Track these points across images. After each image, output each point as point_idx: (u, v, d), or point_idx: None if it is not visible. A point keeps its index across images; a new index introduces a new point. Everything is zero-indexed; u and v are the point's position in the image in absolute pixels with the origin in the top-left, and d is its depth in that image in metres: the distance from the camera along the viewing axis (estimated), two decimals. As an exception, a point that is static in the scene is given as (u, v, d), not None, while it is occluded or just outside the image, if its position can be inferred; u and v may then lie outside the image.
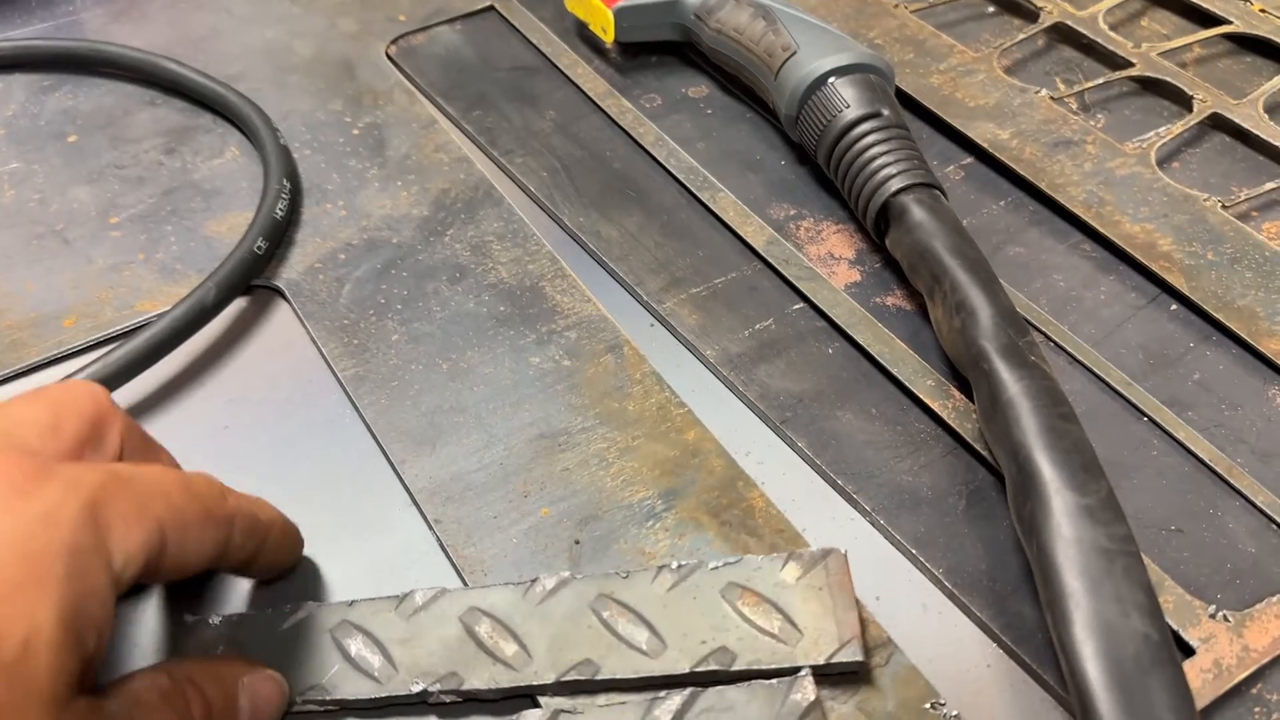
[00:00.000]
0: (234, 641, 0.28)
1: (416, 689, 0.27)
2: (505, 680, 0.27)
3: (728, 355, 0.36)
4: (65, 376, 0.34)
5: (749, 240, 0.40)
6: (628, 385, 0.35)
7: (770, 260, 0.39)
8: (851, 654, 0.27)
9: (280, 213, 0.40)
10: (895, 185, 0.37)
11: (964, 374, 0.33)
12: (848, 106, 0.39)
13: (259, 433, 0.35)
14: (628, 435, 0.33)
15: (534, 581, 0.29)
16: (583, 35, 0.50)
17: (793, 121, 0.42)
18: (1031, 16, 0.50)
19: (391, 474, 0.33)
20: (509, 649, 0.28)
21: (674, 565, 0.29)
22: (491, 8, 0.52)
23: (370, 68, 0.49)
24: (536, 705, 0.27)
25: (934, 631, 0.29)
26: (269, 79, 0.48)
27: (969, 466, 0.32)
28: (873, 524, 0.31)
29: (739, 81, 0.47)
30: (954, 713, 0.27)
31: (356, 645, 0.28)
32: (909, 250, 0.36)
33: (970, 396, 0.33)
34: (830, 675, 0.27)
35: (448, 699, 0.27)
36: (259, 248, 0.38)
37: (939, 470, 0.32)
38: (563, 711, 0.27)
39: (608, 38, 0.47)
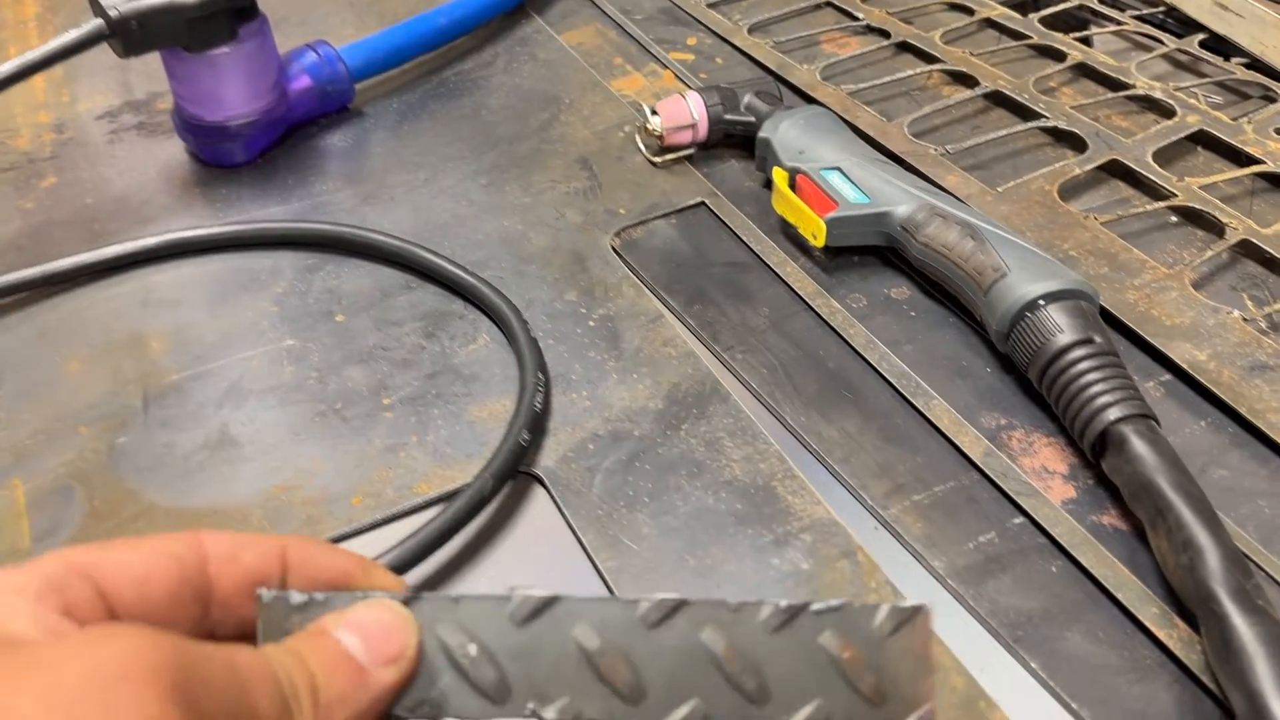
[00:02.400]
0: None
1: (529, 710, 0.27)
2: (621, 716, 0.27)
3: (955, 568, 0.39)
4: (371, 557, 0.38)
5: (965, 450, 0.43)
6: (864, 593, 0.38)
7: (988, 472, 0.42)
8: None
9: (539, 405, 0.44)
10: (1113, 415, 0.40)
11: (1189, 607, 0.35)
12: (1061, 331, 0.43)
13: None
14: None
15: (637, 600, 0.28)
16: (787, 233, 0.55)
17: (1003, 337, 0.45)
18: (1216, 230, 0.53)
19: (651, 666, 0.37)
20: (623, 676, 0.27)
21: (782, 604, 0.28)
22: (703, 203, 0.57)
23: (599, 260, 0.54)
24: None
25: None
26: (509, 267, 0.53)
27: (1196, 697, 0.35)
28: (1110, 751, 0.34)
29: (941, 287, 0.51)
30: None
31: (469, 647, 0.27)
32: (1129, 480, 0.39)
33: (1193, 626, 0.36)
34: None
35: None
36: (524, 439, 0.43)
37: (1167, 700, 0.35)
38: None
39: (818, 243, 0.51)
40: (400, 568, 0.38)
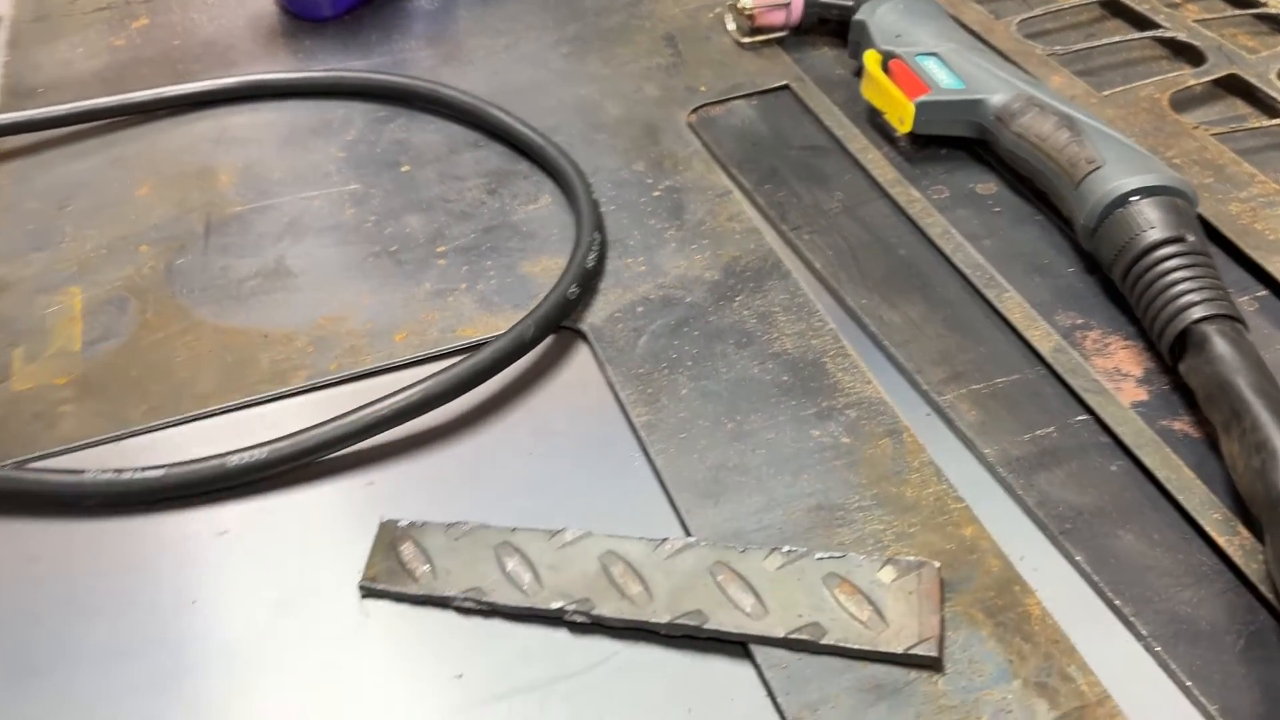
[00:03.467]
0: (417, 543, 0.34)
1: (555, 606, 0.32)
2: (628, 610, 0.32)
3: (1007, 457, 0.37)
4: (399, 389, 0.38)
5: (1035, 345, 0.40)
6: (906, 472, 0.36)
7: (1056, 368, 0.39)
8: (927, 649, 0.30)
9: (591, 262, 0.43)
10: (1197, 313, 0.37)
11: (1256, 514, 0.33)
12: (1151, 228, 0.40)
13: (557, 462, 0.38)
14: (904, 521, 0.35)
15: (664, 539, 0.33)
16: (873, 121, 0.52)
17: (1089, 233, 0.42)
18: (1340, 150, 0.49)
19: (675, 518, 0.36)
20: (635, 589, 0.32)
21: (784, 549, 0.33)
22: (787, 87, 0.55)
23: (672, 134, 0.52)
24: (653, 635, 0.32)
25: (1206, 768, 0.29)
26: (580, 135, 0.52)
27: (1250, 607, 0.32)
28: (1147, 649, 0.32)
29: (1030, 183, 0.48)
30: None
31: (513, 563, 0.33)
32: (1207, 380, 0.36)
33: (1257, 535, 0.33)
34: (906, 665, 0.31)
35: (579, 619, 0.32)
36: (571, 293, 0.42)
37: (1219, 606, 0.32)
38: None
39: (903, 128, 0.49)
40: (433, 401, 0.38)
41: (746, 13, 0.57)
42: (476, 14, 0.61)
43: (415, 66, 0.57)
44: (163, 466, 0.36)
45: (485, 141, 0.52)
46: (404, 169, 0.50)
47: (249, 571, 0.34)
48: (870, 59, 0.51)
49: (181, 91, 0.54)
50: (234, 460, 0.36)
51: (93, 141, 0.53)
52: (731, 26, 0.58)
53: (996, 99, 0.48)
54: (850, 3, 0.55)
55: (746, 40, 0.57)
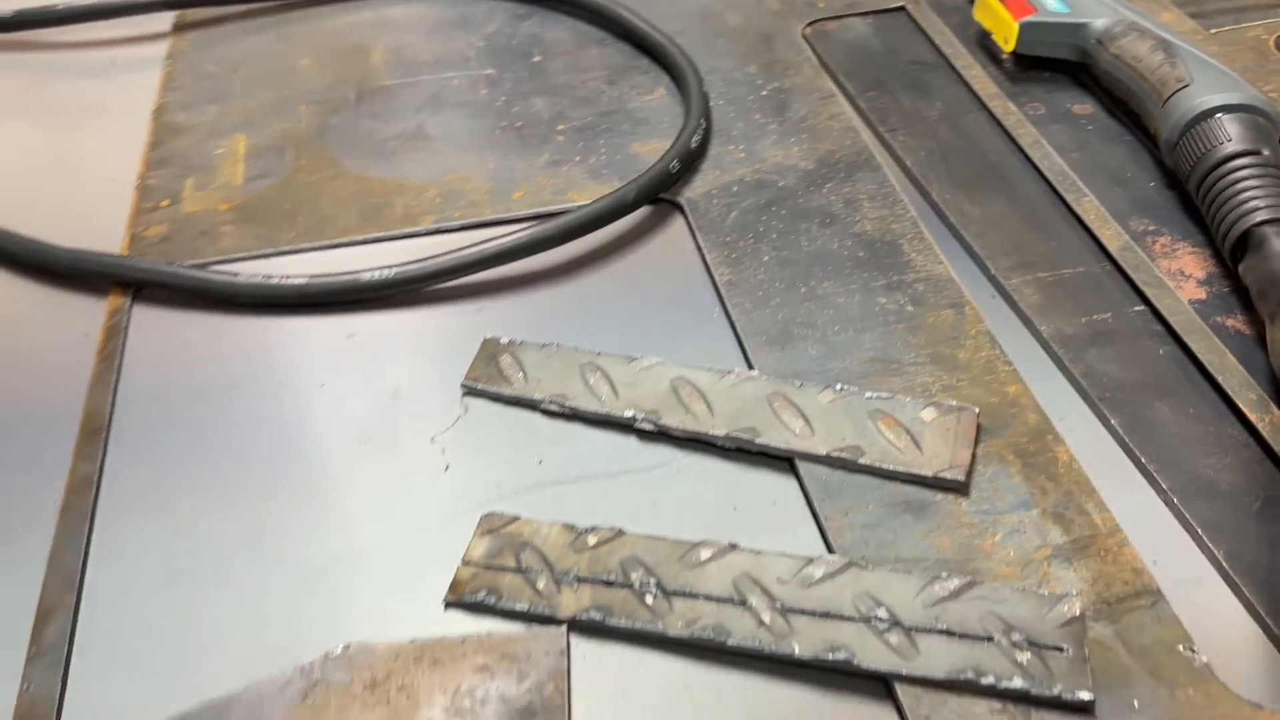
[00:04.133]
0: (515, 356, 0.39)
1: (627, 414, 0.37)
2: (691, 424, 0.36)
3: (1061, 334, 0.39)
4: (509, 233, 0.42)
5: (1104, 243, 0.43)
6: (962, 338, 0.39)
7: (1121, 264, 0.42)
8: (955, 475, 0.34)
9: (694, 143, 0.47)
10: (1260, 216, 0.39)
11: (1290, 394, 0.35)
12: (1229, 140, 0.42)
13: (643, 308, 0.42)
14: (953, 376, 0.38)
15: (730, 370, 0.38)
16: (982, 44, 0.55)
17: (1171, 146, 0.44)
18: None
19: (743, 361, 0.39)
20: (699, 407, 0.37)
21: (837, 387, 0.37)
22: (902, 8, 0.57)
23: (786, 43, 0.55)
24: (714, 447, 0.36)
25: (1202, 601, 0.31)
26: (699, 39, 0.56)
27: (1273, 477, 0.34)
28: (1165, 501, 0.34)
29: (1124, 106, 0.49)
30: (1204, 659, 0.29)
31: (595, 378, 0.38)
32: (1261, 276, 0.38)
33: (1291, 418, 0.35)
34: (935, 487, 0.34)
35: (649, 428, 0.37)
36: (673, 167, 0.46)
37: (1241, 473, 0.34)
38: (854, 564, 0.32)
39: (1007, 47, 0.51)
40: (539, 245, 0.43)
41: (870, -62, 0.59)
42: (616, -69, 0.65)
43: (555, -26, 0.62)
44: (305, 276, 0.42)
45: (611, 40, 0.56)
46: (535, 59, 0.55)
47: (370, 367, 0.40)
48: (982, -19, 0.54)
49: (345, -18, 0.60)
50: (366, 276, 0.42)
51: (265, 20, 0.59)
52: (855, -48, 0.61)
53: (1099, 23, 0.50)
54: (971, -69, 0.58)
55: (867, -36, 0.60)
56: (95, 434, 0.37)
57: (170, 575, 0.33)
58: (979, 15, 0.54)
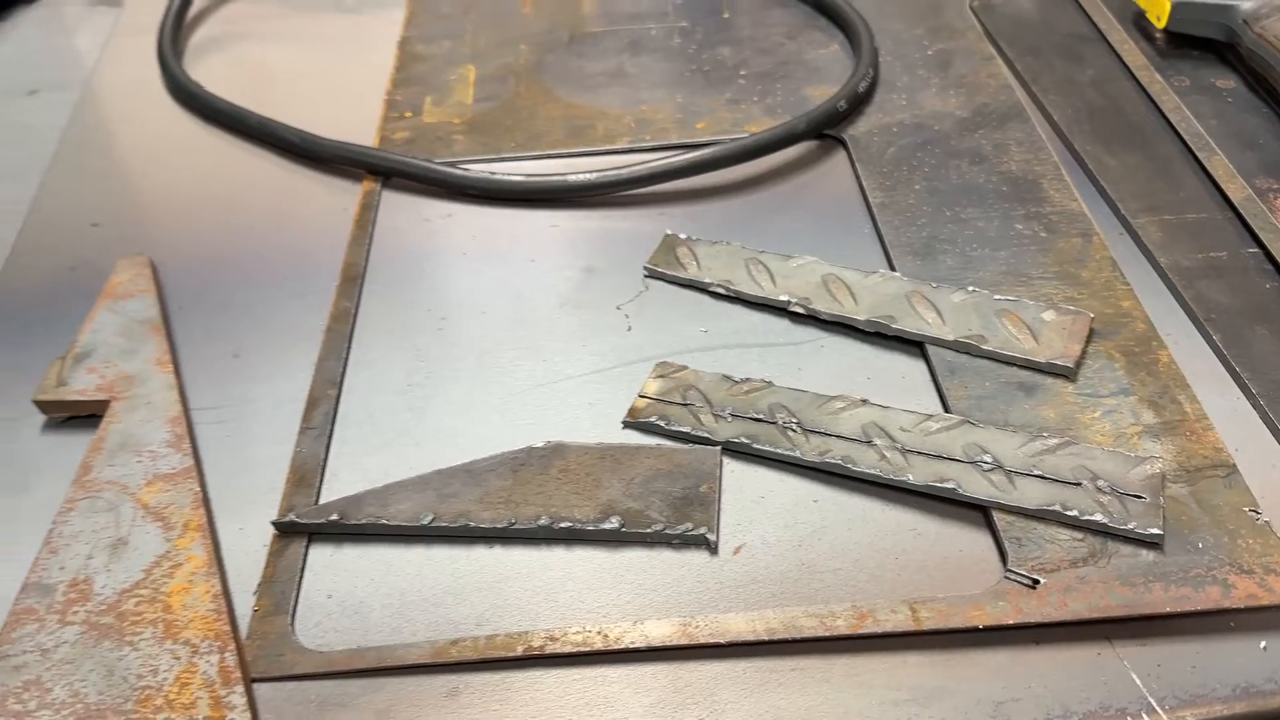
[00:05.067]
0: (690, 249, 0.46)
1: (782, 299, 0.43)
2: (837, 310, 0.43)
3: (1178, 265, 0.44)
4: (686, 151, 0.50)
5: (1229, 195, 0.47)
6: (1087, 260, 0.44)
7: (1242, 212, 0.46)
8: (1065, 362, 0.39)
9: (862, 88, 0.53)
10: (1379, 171, 0.43)
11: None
12: (1360, 106, 0.45)
13: (803, 221, 0.48)
14: (1074, 290, 0.43)
15: (875, 271, 0.44)
16: (1137, 23, 0.59)
17: (1305, 113, 0.48)
18: None
19: (887, 266, 0.45)
20: (844, 297, 0.43)
21: (969, 289, 0.42)
22: (1066, -13, 0.62)
23: (954, 12, 0.61)
24: (854, 330, 0.42)
25: (1275, 481, 0.36)
26: (873, 5, 0.62)
27: (1360, 392, 0.39)
28: (1253, 404, 0.39)
29: (1265, 83, 0.53)
30: (1265, 519, 0.34)
31: (757, 270, 0.45)
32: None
33: (1384, 345, 0.39)
34: (1046, 373, 0.40)
35: (800, 311, 0.43)
36: (840, 106, 0.52)
37: (1330, 386, 0.39)
38: (967, 421, 0.38)
39: (1160, 24, 0.56)
40: (718, 162, 0.50)
41: (1041, -77, 0.64)
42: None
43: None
44: (523, 175, 0.50)
45: (792, 2, 0.63)
46: (724, 15, 0.62)
47: (570, 249, 0.48)
48: (1142, -38, 0.58)
49: (563, -55, 0.68)
50: (572, 178, 0.49)
51: (492, -26, 0.68)
52: (1026, -64, 0.66)
53: (1247, 5, 0.54)
54: (1138, -82, 0.62)
55: (1037, -53, 0.65)
56: (352, 280, 0.46)
57: (409, 384, 0.42)
58: (1137, -6, 0.58)
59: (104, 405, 0.39)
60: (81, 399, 0.39)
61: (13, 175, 0.53)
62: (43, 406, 0.40)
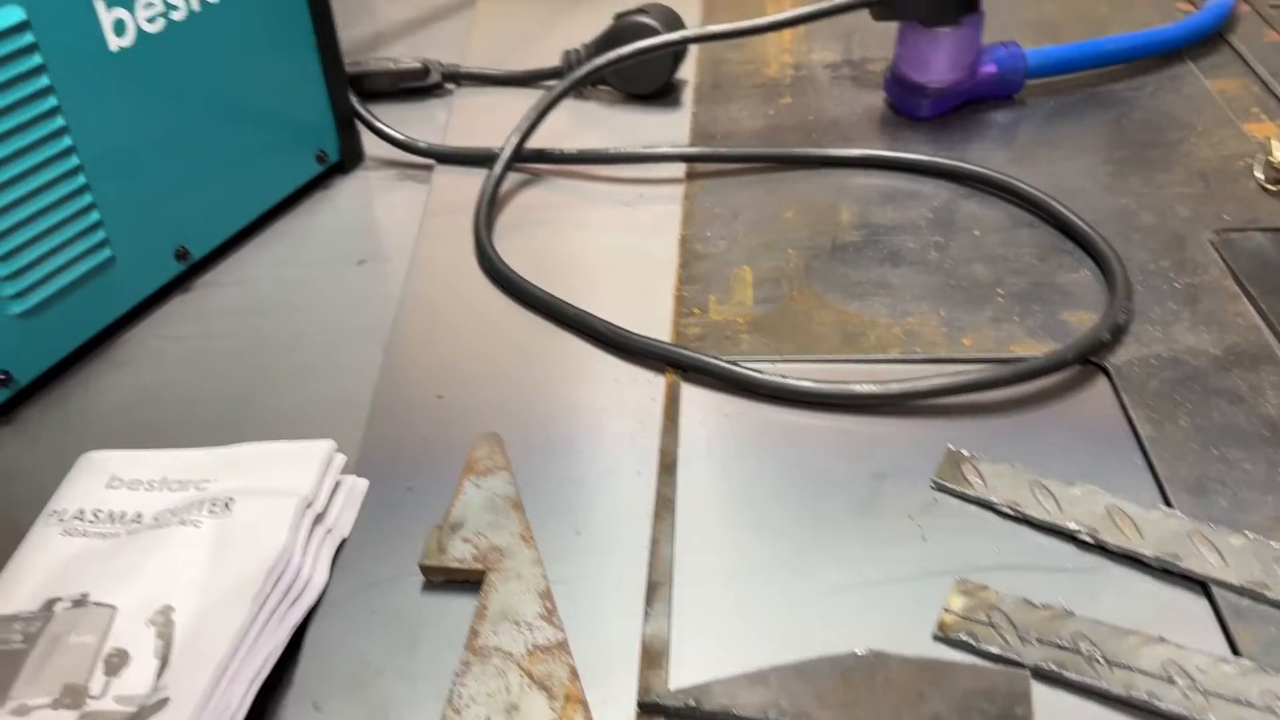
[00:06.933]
0: (974, 465, 0.48)
1: (1070, 526, 0.47)
2: (1124, 543, 0.46)
3: None
4: (966, 370, 0.55)
5: None
6: (1357, 514, 0.48)
7: None
8: None
9: (1122, 319, 0.58)
10: None
11: None
12: None
13: (1075, 450, 0.53)
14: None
15: (1156, 506, 0.48)
16: (1378, 269, 0.63)
17: None
18: None
19: (1162, 500, 0.49)
20: (1130, 531, 0.47)
21: (1249, 534, 0.45)
22: (1303, 228, 0.67)
23: (1195, 245, 0.66)
24: (1137, 564, 0.46)
25: None
26: (1117, 232, 0.67)
27: None
28: None
29: None
30: None
31: (1041, 494, 0.49)
32: None
33: None
34: None
35: (1087, 540, 0.47)
36: (1104, 336, 0.57)
37: None
38: (1261, 669, 0.41)
39: (1407, 277, 0.59)
40: (993, 384, 0.55)
41: (1275, 165, 0.69)
42: (1040, 130, 0.78)
43: (988, 161, 0.75)
44: (812, 380, 0.56)
45: (1039, 223, 0.69)
46: (975, 233, 0.68)
47: (857, 456, 0.53)
48: (1387, 217, 0.62)
49: (816, 153, 0.76)
50: (858, 388, 0.55)
51: (753, 177, 0.75)
52: (1259, 174, 0.71)
53: None
54: (1377, 170, 0.66)
55: (1273, 188, 0.70)
56: (669, 468, 0.52)
57: (732, 572, 0.47)
58: (1380, 244, 0.62)
59: (479, 574, 0.45)
60: (460, 566, 0.45)
61: (360, 336, 0.62)
62: (426, 571, 0.46)
